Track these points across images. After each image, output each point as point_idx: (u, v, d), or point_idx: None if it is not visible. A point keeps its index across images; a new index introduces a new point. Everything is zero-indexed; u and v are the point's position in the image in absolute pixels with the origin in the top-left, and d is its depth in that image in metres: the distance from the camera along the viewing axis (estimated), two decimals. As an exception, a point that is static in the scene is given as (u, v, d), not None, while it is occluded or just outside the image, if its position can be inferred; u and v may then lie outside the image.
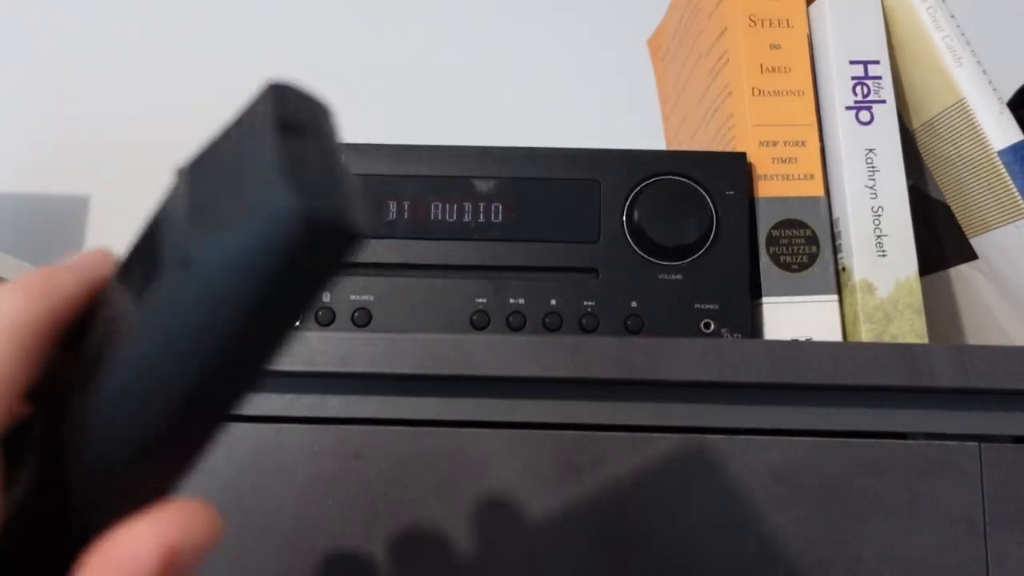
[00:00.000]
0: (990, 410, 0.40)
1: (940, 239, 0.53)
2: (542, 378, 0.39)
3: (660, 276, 0.46)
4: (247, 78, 0.37)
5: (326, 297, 0.46)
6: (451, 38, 0.91)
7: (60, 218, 0.88)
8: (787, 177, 0.49)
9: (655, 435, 0.40)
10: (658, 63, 0.71)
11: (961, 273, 0.53)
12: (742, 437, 0.40)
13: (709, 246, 0.46)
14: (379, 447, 0.40)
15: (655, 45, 0.71)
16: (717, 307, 0.46)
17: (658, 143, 0.70)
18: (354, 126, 0.88)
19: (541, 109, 0.88)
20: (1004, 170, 0.47)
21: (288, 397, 0.41)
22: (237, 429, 0.40)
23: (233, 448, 0.40)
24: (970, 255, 0.51)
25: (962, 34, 0.48)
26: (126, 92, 0.89)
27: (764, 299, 0.47)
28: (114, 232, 0.84)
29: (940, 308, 0.54)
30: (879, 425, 0.40)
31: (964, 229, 0.51)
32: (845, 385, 0.39)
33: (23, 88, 0.89)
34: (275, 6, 0.91)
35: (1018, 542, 0.39)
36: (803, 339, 0.47)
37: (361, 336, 0.39)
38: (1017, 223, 0.47)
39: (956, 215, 0.51)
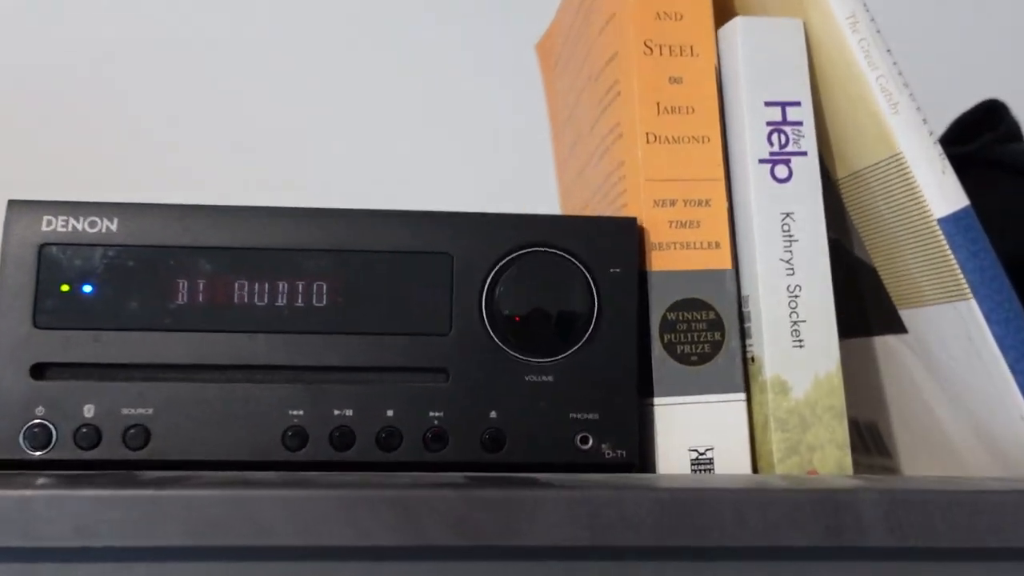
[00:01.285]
0: (921, 561, 0.32)
1: (863, 303, 0.45)
2: (358, 547, 0.29)
3: (527, 378, 0.36)
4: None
5: (87, 411, 0.35)
6: (259, 67, 0.76)
7: None
8: (687, 245, 0.39)
9: (509, 611, 0.30)
10: (548, 70, 0.61)
11: (886, 344, 0.45)
12: (621, 611, 0.31)
13: (588, 338, 0.37)
14: (140, 635, 0.29)
15: (544, 49, 0.61)
16: (597, 417, 0.36)
17: (547, 198, 0.60)
18: (132, 182, 0.75)
19: (376, 158, 0.75)
20: (945, 242, 0.38)
21: (14, 568, 0.30)
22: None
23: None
24: (898, 327, 0.43)
25: (899, 73, 0.39)
26: None
27: (656, 400, 0.38)
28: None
29: (859, 377, 0.47)
30: (792, 585, 0.32)
31: (893, 298, 0.43)
32: (752, 547, 0.30)
33: None
34: None
35: None
36: (703, 449, 0.38)
37: (104, 495, 0.28)
38: (956, 304, 0.39)
39: (884, 281, 0.43)
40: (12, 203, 0.36)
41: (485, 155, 0.74)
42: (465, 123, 0.76)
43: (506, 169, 0.73)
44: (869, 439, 0.49)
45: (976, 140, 0.53)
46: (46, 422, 0.34)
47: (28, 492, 0.28)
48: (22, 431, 0.34)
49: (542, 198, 0.61)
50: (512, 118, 0.73)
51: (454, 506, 0.29)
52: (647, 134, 0.40)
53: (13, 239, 0.35)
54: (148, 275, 0.36)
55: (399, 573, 0.30)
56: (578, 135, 0.52)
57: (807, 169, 0.40)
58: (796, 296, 0.39)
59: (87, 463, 0.34)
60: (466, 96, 0.76)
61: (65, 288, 0.35)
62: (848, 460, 0.38)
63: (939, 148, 0.39)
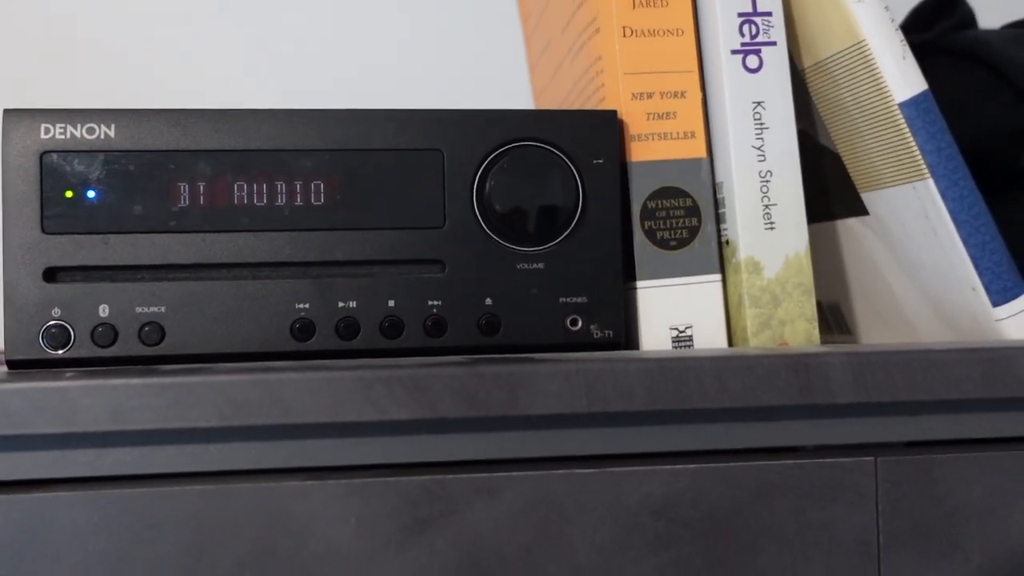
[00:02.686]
0: (886, 416, 0.36)
1: (827, 189, 0.48)
2: (376, 422, 0.32)
3: (518, 266, 0.39)
4: None
5: (102, 311, 0.36)
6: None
7: None
8: (665, 136, 0.41)
9: (514, 474, 0.33)
10: (517, -28, 0.61)
11: (849, 227, 0.48)
12: (614, 469, 0.34)
13: (575, 227, 0.39)
14: (176, 511, 0.32)
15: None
16: (585, 300, 0.39)
17: (521, 91, 0.61)
18: (130, 87, 0.74)
19: (365, 58, 0.75)
20: (905, 125, 0.41)
21: (53, 454, 0.32)
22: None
23: (-17, 526, 0.31)
24: (860, 210, 0.46)
25: (863, -37, 0.41)
26: None
27: (638, 283, 0.41)
28: None
29: (823, 261, 0.50)
30: (766, 441, 0.35)
31: (856, 182, 0.46)
32: (733, 408, 0.33)
33: None
34: None
35: (913, 562, 0.35)
36: (683, 328, 0.41)
37: (137, 383, 0.30)
38: (915, 184, 0.41)
39: (848, 167, 0.46)
40: (8, 112, 0.36)
41: (460, 55, 0.75)
42: (441, 24, 0.76)
43: (481, 68, 0.73)
44: (831, 319, 0.53)
45: (933, 28, 0.55)
46: (63, 322, 0.36)
47: (65, 382, 0.30)
48: (40, 332, 0.36)
49: (517, 99, 0.62)
50: (484, 18, 0.74)
51: (463, 381, 0.32)
52: (623, 28, 0.42)
53: (13, 148, 0.36)
54: (149, 179, 0.37)
55: (414, 446, 0.33)
56: (551, 36, 0.53)
57: (777, 58, 0.42)
58: (767, 181, 0.41)
59: (105, 360, 0.36)
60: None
61: (69, 194, 0.36)
62: (816, 333, 0.41)
63: (900, 35, 0.41)
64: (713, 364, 0.33)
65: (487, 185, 0.38)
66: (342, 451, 0.33)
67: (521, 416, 0.32)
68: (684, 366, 0.33)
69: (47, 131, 0.36)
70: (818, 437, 0.35)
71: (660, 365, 0.33)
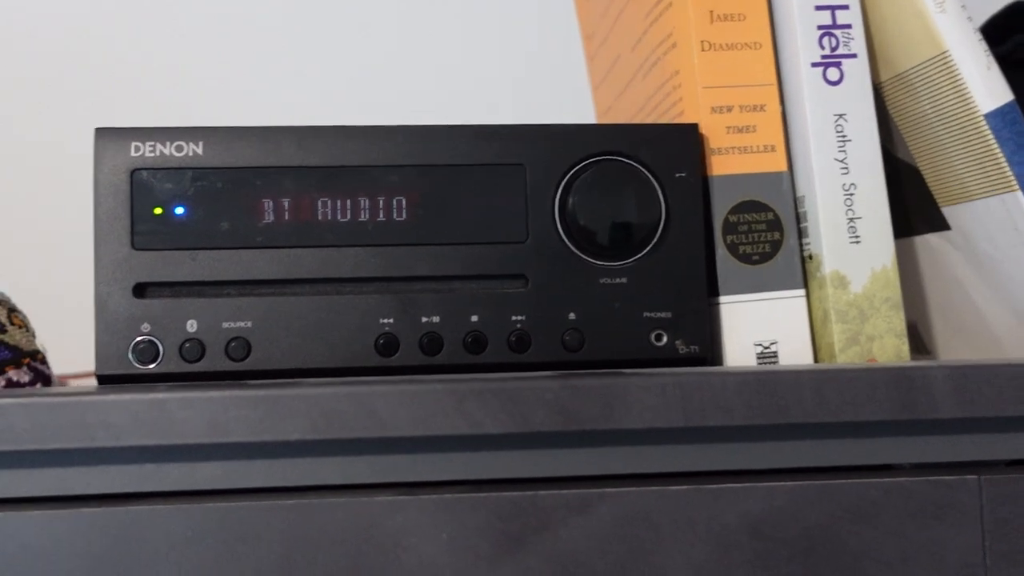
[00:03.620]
0: (990, 432, 0.34)
1: (906, 205, 0.47)
2: (469, 436, 0.31)
3: (602, 280, 0.38)
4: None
5: (190, 326, 0.36)
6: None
7: None
8: (745, 150, 0.41)
9: (608, 490, 0.33)
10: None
11: (928, 242, 0.47)
12: (710, 486, 0.33)
13: (658, 241, 0.39)
14: (268, 525, 0.32)
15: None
16: (670, 315, 0.38)
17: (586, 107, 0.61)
18: (213, 107, 0.75)
19: (440, 76, 0.76)
20: (991, 136, 0.40)
21: (148, 467, 0.32)
22: (77, 514, 0.31)
23: (75, 539, 0.31)
24: (941, 225, 0.45)
25: (946, -27, 0.40)
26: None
27: (721, 298, 0.40)
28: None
29: (901, 278, 0.49)
30: (866, 458, 0.34)
31: (936, 197, 0.45)
32: (832, 423, 0.32)
33: None
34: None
35: (1021, 584, 0.34)
36: (767, 343, 0.40)
37: (232, 395, 0.30)
38: (1003, 196, 0.41)
39: (928, 181, 0.45)
40: (100, 131, 0.37)
41: (520, 74, 0.75)
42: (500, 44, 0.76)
43: (542, 88, 0.74)
44: (909, 338, 0.52)
45: (1006, 42, 0.55)
46: (152, 338, 0.36)
47: (163, 394, 0.30)
48: (130, 347, 0.36)
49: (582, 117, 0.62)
50: (545, 38, 0.74)
51: (557, 394, 0.32)
52: (702, 42, 0.41)
53: (104, 165, 0.36)
54: (236, 195, 0.37)
55: (506, 460, 0.33)
56: (619, 53, 0.53)
57: (857, 70, 0.41)
58: (851, 194, 0.41)
59: (193, 375, 0.36)
60: (501, 18, 0.77)
61: (158, 211, 0.37)
62: (906, 349, 0.40)
63: (984, 45, 0.40)
64: (812, 378, 0.32)
65: (569, 199, 0.38)
66: (433, 465, 0.33)
67: (615, 430, 0.32)
68: (782, 380, 0.33)
69: (137, 149, 0.37)
70: (919, 454, 0.34)
71: (757, 378, 0.32)
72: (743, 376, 0.32)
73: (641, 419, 0.32)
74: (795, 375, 0.32)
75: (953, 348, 0.48)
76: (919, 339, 0.51)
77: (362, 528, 0.32)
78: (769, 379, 0.32)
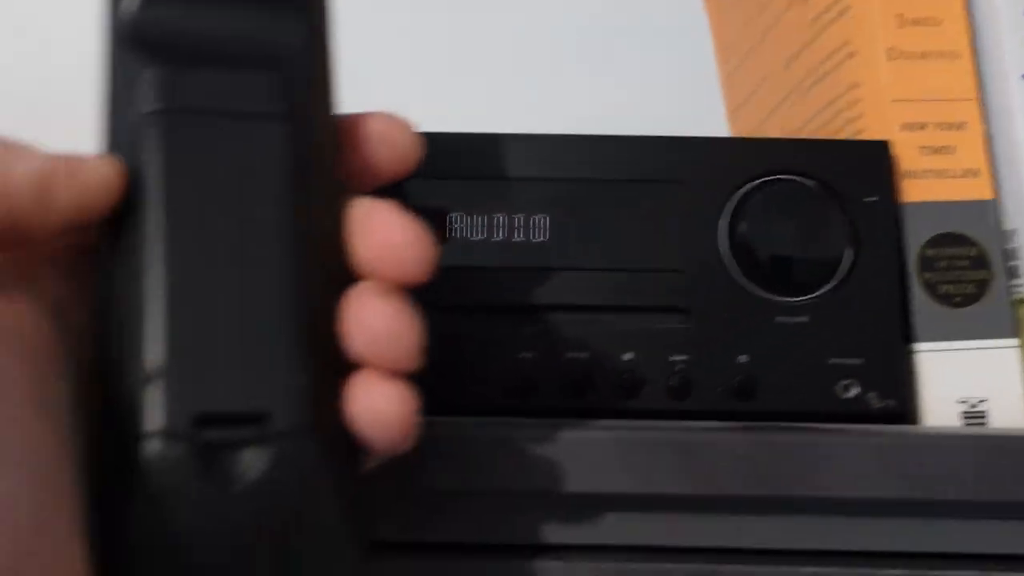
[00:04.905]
0: None
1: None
2: (635, 495, 0.26)
3: (778, 319, 0.32)
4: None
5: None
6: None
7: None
8: (942, 174, 0.35)
9: (807, 569, 0.26)
10: (715, 13, 0.57)
11: None
12: (934, 572, 0.26)
13: (846, 275, 0.33)
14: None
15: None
16: (861, 362, 0.32)
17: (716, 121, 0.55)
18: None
19: (579, 82, 0.72)
20: None
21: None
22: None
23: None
24: None
25: None
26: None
27: (918, 345, 0.34)
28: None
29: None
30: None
31: None
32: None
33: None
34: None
35: None
36: (975, 401, 0.33)
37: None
38: None
39: None
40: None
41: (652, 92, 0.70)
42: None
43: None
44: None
45: None
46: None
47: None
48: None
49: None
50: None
51: (747, 451, 0.26)
52: (889, 49, 0.36)
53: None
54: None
55: (684, 524, 0.27)
56: (766, 74, 0.47)
57: (1080, 84, 0.35)
58: (1074, 228, 0.34)
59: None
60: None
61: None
62: None
63: None
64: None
65: (739, 224, 0.33)
66: (594, 525, 0.27)
67: (817, 498, 0.26)
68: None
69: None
70: None
71: (995, 443, 0.26)
72: (978, 440, 0.26)
73: (851, 486, 0.25)
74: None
75: None
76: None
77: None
78: (1011, 446, 0.26)
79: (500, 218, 0.33)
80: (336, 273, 0.22)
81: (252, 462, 0.20)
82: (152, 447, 0.19)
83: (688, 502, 0.26)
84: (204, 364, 0.20)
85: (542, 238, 0.33)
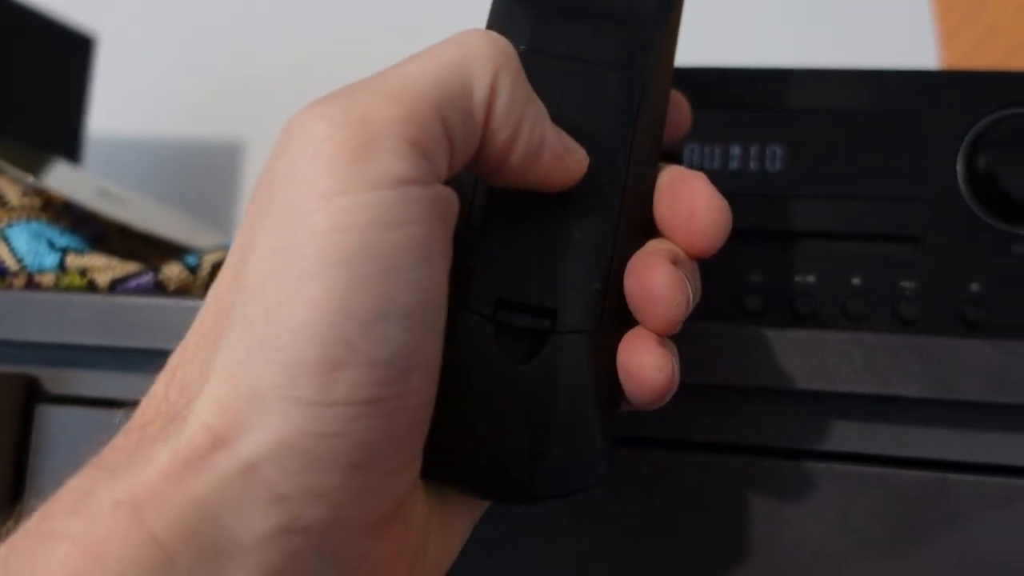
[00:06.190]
0: None
1: None
2: (875, 395, 0.27)
3: (1014, 248, 0.33)
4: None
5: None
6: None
7: (214, 164, 0.81)
8: None
9: (1038, 484, 0.27)
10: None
11: None
12: None
13: (1091, 207, 0.33)
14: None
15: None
16: (1102, 296, 0.32)
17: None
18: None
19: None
20: None
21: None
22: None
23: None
24: None
25: None
26: (281, 33, 0.80)
27: None
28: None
29: None
30: None
31: None
32: None
33: (175, 29, 0.83)
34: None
35: None
36: None
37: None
38: None
39: None
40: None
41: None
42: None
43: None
44: None
45: None
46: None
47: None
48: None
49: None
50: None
51: (988, 358, 0.27)
52: None
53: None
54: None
55: (917, 434, 0.28)
56: (996, 22, 0.47)
57: None
58: None
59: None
60: None
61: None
62: None
63: None
64: None
65: (978, 155, 0.33)
66: (828, 428, 0.29)
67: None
68: None
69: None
70: None
71: None
72: None
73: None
74: None
75: None
76: None
77: (735, 494, 0.28)
78: None
79: (735, 148, 0.35)
80: (639, 225, 0.25)
81: (535, 347, 0.23)
82: (464, 317, 0.23)
83: (925, 406, 0.28)
84: (514, 265, 0.23)
85: (775, 168, 0.35)
